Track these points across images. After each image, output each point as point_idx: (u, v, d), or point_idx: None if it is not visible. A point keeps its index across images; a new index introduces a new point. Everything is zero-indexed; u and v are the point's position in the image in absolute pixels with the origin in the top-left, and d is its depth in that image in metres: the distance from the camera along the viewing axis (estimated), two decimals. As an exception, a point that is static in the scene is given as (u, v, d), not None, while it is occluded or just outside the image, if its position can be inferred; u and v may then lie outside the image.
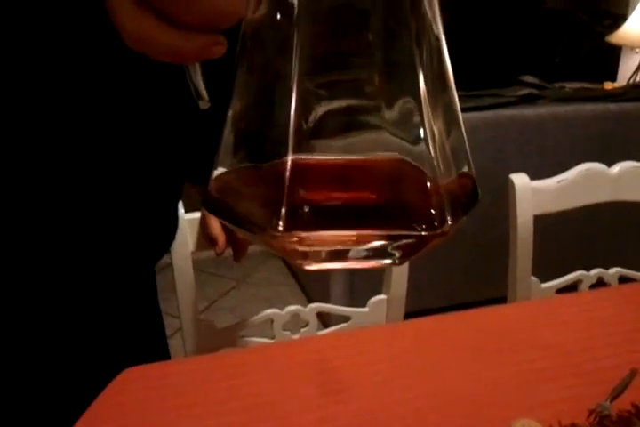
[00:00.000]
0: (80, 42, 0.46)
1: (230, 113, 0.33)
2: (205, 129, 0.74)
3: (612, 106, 2.13)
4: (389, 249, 0.32)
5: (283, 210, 0.29)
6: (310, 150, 0.31)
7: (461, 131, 0.34)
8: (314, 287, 2.23)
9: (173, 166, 0.65)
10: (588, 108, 2.11)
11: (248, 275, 2.38)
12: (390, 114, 0.31)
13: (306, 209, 0.30)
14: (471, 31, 3.28)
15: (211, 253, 0.95)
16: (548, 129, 2.05)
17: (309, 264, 0.33)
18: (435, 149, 0.31)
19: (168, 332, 0.84)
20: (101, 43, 0.44)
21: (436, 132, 0.32)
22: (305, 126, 0.30)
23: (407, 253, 0.33)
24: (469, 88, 2.07)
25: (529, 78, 2.27)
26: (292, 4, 0.29)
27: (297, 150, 0.30)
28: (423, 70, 0.31)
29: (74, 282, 0.59)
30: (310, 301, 2.24)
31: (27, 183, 0.50)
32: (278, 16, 0.31)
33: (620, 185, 1.16)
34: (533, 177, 1.14)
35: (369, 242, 0.31)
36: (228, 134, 0.34)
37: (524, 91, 2.10)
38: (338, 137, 0.32)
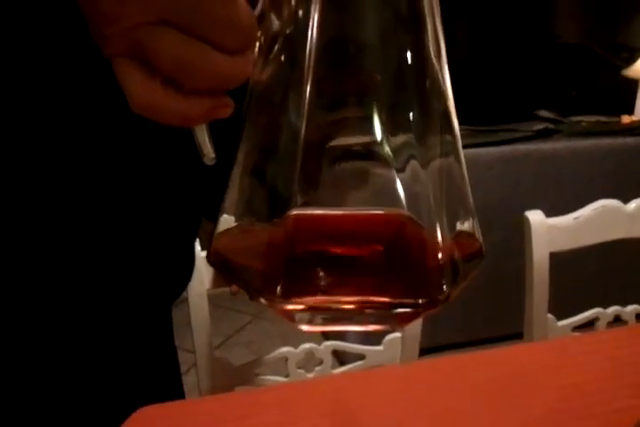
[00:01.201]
0: (88, 99, 0.47)
1: (236, 167, 0.34)
2: (222, 168, 0.76)
3: (630, 140, 2.13)
4: (387, 316, 0.32)
5: (281, 277, 0.30)
6: (314, 203, 0.31)
7: (465, 183, 0.35)
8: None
9: (189, 205, 0.66)
10: (605, 142, 2.11)
11: (263, 310, 2.37)
12: (394, 162, 0.32)
13: (304, 277, 0.30)
14: (487, 66, 3.30)
15: (226, 288, 0.96)
16: (564, 163, 2.05)
17: (306, 327, 0.33)
18: (437, 206, 0.32)
19: (183, 368, 0.84)
20: (110, 102, 0.45)
21: (438, 182, 0.32)
22: (309, 179, 0.31)
23: (405, 320, 0.33)
24: (485, 123, 2.08)
25: (545, 113, 2.28)
26: (301, 65, 0.30)
27: (300, 206, 0.30)
28: (429, 111, 0.32)
29: (88, 319, 0.59)
30: (325, 337, 2.23)
31: (40, 223, 0.51)
32: (286, 75, 0.32)
33: (637, 222, 1.15)
34: (550, 212, 1.14)
35: (366, 309, 0.31)
36: (233, 187, 0.34)
37: (541, 125, 2.11)
38: (341, 189, 0.33)
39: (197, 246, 0.93)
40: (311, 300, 0.30)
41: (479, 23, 3.97)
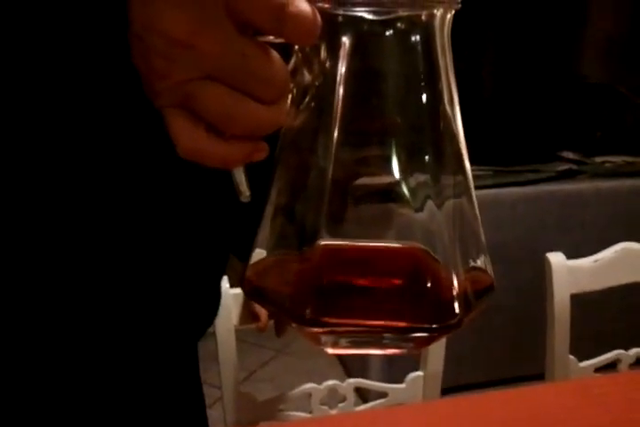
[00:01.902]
0: (138, 146, 0.51)
1: (269, 204, 0.38)
2: (251, 207, 0.78)
3: (654, 181, 2.14)
4: (404, 340, 0.35)
5: (310, 303, 0.33)
6: (339, 236, 0.35)
7: (478, 221, 0.38)
8: (352, 360, 2.22)
9: (218, 242, 0.68)
10: (629, 183, 2.12)
11: (287, 345, 2.38)
12: (413, 202, 0.35)
13: (330, 302, 0.34)
14: (512, 105, 3.32)
15: (252, 324, 0.98)
16: (588, 204, 2.06)
17: (331, 349, 0.36)
18: (451, 242, 0.35)
19: (208, 401, 0.85)
20: (157, 149, 0.49)
21: (452, 221, 0.35)
22: (335, 216, 0.34)
23: (421, 344, 0.37)
24: (509, 164, 2.10)
25: (569, 154, 2.30)
26: (328, 113, 0.34)
27: (327, 238, 0.34)
28: (443, 163, 0.36)
29: (115, 354, 0.61)
30: (348, 372, 2.22)
31: (73, 256, 0.53)
32: (315, 122, 0.36)
33: (658, 265, 1.16)
34: (574, 253, 1.16)
35: (386, 333, 0.35)
36: (266, 223, 0.38)
37: (564, 166, 2.12)
38: (363, 226, 0.36)
39: (225, 284, 0.96)
40: (336, 323, 0.34)
41: (505, 62, 4.01)
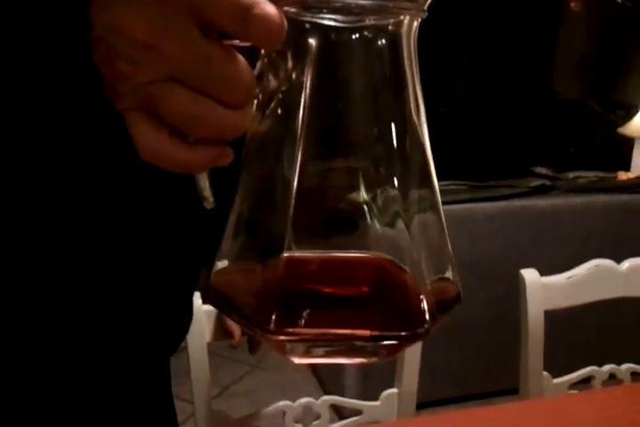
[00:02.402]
0: (98, 149, 0.50)
1: (233, 212, 0.37)
2: (221, 218, 0.78)
3: (626, 197, 2.17)
4: (373, 347, 0.35)
5: (275, 311, 0.33)
6: (304, 246, 0.35)
7: (444, 233, 0.38)
8: (327, 374, 2.21)
9: (188, 257, 0.68)
10: (602, 199, 2.15)
11: (261, 360, 2.37)
12: (378, 212, 0.35)
13: (295, 310, 0.33)
14: (484, 122, 3.36)
15: (225, 341, 0.97)
16: (561, 220, 2.08)
17: (297, 358, 0.35)
18: (418, 247, 0.35)
19: (180, 417, 0.84)
20: (114, 150, 0.48)
21: (421, 231, 0.35)
22: (300, 225, 0.34)
23: (389, 352, 0.36)
24: (483, 179, 2.12)
25: (541, 170, 2.33)
26: (294, 119, 0.34)
27: (291, 248, 0.33)
28: (410, 167, 0.35)
29: (84, 368, 0.60)
30: (323, 388, 2.22)
31: (36, 271, 0.53)
32: (281, 128, 0.36)
33: (631, 281, 1.17)
34: (548, 268, 1.16)
35: (354, 341, 0.34)
36: (229, 231, 0.38)
37: (537, 182, 2.15)
38: (330, 234, 0.36)
39: (197, 299, 0.95)
40: (302, 332, 0.33)
41: (479, 78, 4.06)
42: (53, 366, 0.57)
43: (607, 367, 1.18)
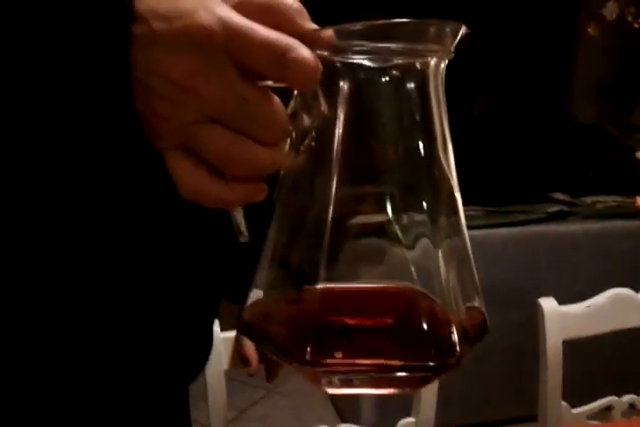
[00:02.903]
0: (137, 187, 0.51)
1: (267, 245, 0.38)
2: (243, 250, 0.78)
3: (644, 223, 2.16)
4: (405, 378, 0.36)
5: (310, 343, 0.34)
6: (337, 278, 0.36)
7: (471, 262, 0.39)
8: (343, 401, 2.20)
9: (210, 287, 0.68)
10: (620, 224, 2.13)
11: (278, 385, 2.36)
12: (408, 247, 0.36)
13: (330, 342, 0.34)
14: (501, 147, 3.36)
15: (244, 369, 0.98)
16: (579, 246, 2.07)
17: (331, 389, 0.36)
18: (447, 280, 0.36)
19: (197, 442, 0.84)
20: (153, 187, 0.49)
21: (449, 264, 0.36)
22: (333, 257, 0.35)
23: (420, 383, 0.37)
24: (500, 204, 2.11)
25: (559, 195, 2.32)
26: (328, 160, 0.35)
27: (325, 281, 0.34)
28: (438, 211, 0.37)
29: (105, 395, 0.60)
30: (339, 414, 2.20)
31: (59, 299, 0.53)
32: (313, 165, 0.37)
33: (650, 311, 1.17)
34: (564, 294, 1.16)
35: (387, 372, 0.35)
36: (264, 264, 0.39)
37: (555, 208, 2.14)
38: (363, 265, 0.37)
39: (216, 327, 0.96)
40: (337, 363, 0.34)
41: (496, 102, 4.06)
42: (72, 390, 0.58)
43: (627, 398, 1.17)
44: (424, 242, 0.36)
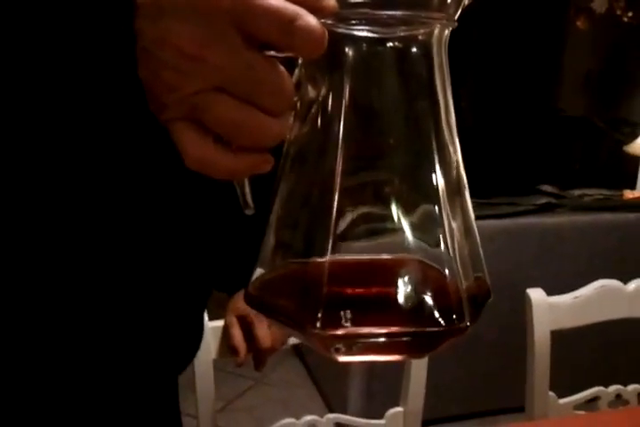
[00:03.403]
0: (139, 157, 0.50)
1: (272, 218, 0.39)
2: (234, 239, 0.78)
3: (631, 215, 2.17)
4: (414, 343, 0.36)
5: (320, 310, 0.34)
6: (342, 251, 0.36)
7: (476, 237, 0.39)
8: (331, 390, 2.20)
9: (200, 276, 0.68)
10: (607, 217, 2.14)
11: (265, 375, 2.36)
12: (414, 218, 0.37)
13: (340, 309, 0.34)
14: (489, 139, 3.37)
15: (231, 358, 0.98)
16: (566, 238, 2.08)
17: (341, 357, 0.36)
18: (454, 251, 0.36)
19: (185, 432, 0.84)
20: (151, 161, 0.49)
21: (455, 236, 0.36)
22: (339, 230, 0.35)
23: (431, 347, 0.38)
24: (488, 196, 2.12)
25: (547, 188, 2.32)
26: (336, 129, 0.35)
27: (333, 252, 0.35)
28: (443, 179, 0.36)
29: (95, 386, 0.60)
30: (327, 404, 2.21)
31: (51, 287, 0.53)
32: (320, 138, 0.37)
33: (637, 302, 1.17)
34: (552, 285, 1.17)
35: (396, 337, 0.35)
36: (269, 237, 0.39)
37: (543, 200, 2.14)
38: (366, 240, 0.37)
39: (205, 316, 0.95)
40: (347, 330, 0.34)
41: (484, 95, 4.07)
42: (64, 381, 0.58)
43: (613, 388, 1.18)
44: (431, 214, 0.36)
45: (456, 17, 0.36)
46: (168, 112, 0.34)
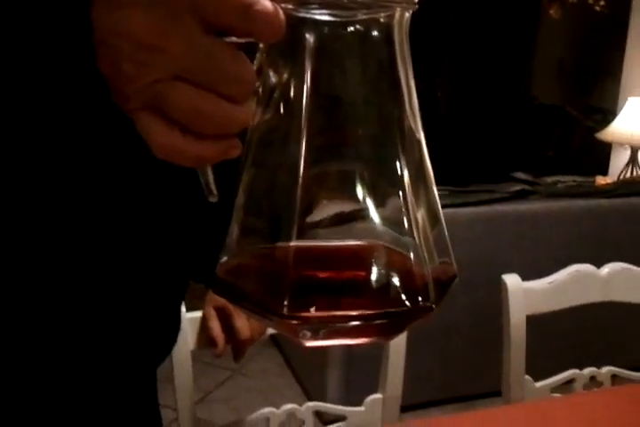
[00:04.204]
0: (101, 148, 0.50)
1: (237, 204, 0.38)
2: (209, 229, 0.78)
3: (604, 201, 2.19)
4: (382, 326, 0.36)
5: (286, 296, 0.34)
6: (308, 237, 0.36)
7: (442, 222, 0.39)
8: (309, 379, 2.21)
9: (178, 268, 0.68)
10: (581, 203, 2.17)
11: (243, 365, 2.36)
12: (379, 205, 0.37)
13: (306, 295, 0.35)
14: (464, 128, 3.39)
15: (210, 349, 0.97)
16: (541, 224, 2.10)
17: (309, 341, 0.36)
18: (419, 237, 0.36)
19: (163, 423, 0.84)
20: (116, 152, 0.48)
21: (419, 222, 0.37)
22: (305, 217, 0.35)
23: (397, 328, 0.38)
24: (463, 184, 2.13)
25: (521, 175, 2.34)
26: (299, 114, 0.35)
27: (298, 238, 0.35)
28: (407, 166, 0.36)
29: (71, 376, 0.60)
30: (306, 393, 2.21)
31: (23, 279, 0.52)
32: (283, 124, 0.37)
33: (610, 286, 1.19)
34: (528, 272, 1.18)
35: (363, 320, 0.35)
36: (234, 224, 0.39)
37: (517, 187, 2.16)
38: (332, 227, 0.37)
39: (182, 307, 0.95)
40: (313, 315, 0.35)
41: (459, 83, 4.08)
42: (42, 371, 0.57)
43: (588, 370, 1.19)
44: (395, 200, 0.36)
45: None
46: (130, 102, 0.34)
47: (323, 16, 0.34)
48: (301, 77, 0.35)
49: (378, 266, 0.37)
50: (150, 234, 0.59)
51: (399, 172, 0.36)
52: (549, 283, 1.15)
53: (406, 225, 0.36)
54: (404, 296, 0.36)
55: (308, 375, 2.23)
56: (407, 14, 0.36)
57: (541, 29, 4.14)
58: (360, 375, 1.88)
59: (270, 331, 1.03)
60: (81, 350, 0.58)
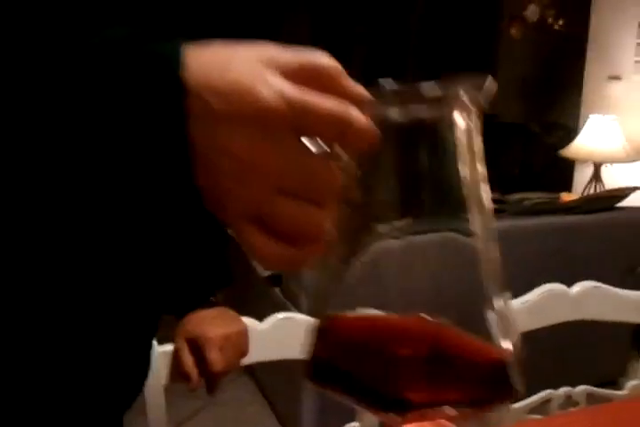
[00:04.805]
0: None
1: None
2: (183, 260, 0.76)
3: (570, 218, 2.22)
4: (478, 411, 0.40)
5: (408, 392, 0.37)
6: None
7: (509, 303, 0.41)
8: (284, 407, 2.18)
9: (152, 304, 0.66)
10: (548, 220, 2.19)
11: (216, 395, 2.32)
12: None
13: (424, 393, 0.37)
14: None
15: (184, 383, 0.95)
16: (510, 242, 2.11)
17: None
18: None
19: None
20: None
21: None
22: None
23: (488, 410, 0.41)
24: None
25: (488, 194, 2.36)
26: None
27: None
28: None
29: (43, 414, 0.58)
30: (281, 422, 2.18)
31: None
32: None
33: (581, 305, 1.19)
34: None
35: (463, 407, 0.39)
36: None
37: (485, 206, 2.18)
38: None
39: (154, 341, 0.93)
40: (430, 412, 0.37)
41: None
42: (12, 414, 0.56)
43: (563, 390, 1.19)
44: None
45: (482, 101, 0.39)
46: (230, 214, 0.35)
47: (393, 119, 0.36)
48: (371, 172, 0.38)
49: (470, 355, 0.40)
50: (127, 268, 0.58)
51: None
52: (522, 303, 1.15)
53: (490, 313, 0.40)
54: (491, 385, 0.40)
55: (283, 404, 2.20)
56: (474, 117, 0.39)
57: (502, 49, 4.20)
58: (335, 404, 1.85)
59: (245, 361, 1.01)
60: (46, 388, 0.56)
